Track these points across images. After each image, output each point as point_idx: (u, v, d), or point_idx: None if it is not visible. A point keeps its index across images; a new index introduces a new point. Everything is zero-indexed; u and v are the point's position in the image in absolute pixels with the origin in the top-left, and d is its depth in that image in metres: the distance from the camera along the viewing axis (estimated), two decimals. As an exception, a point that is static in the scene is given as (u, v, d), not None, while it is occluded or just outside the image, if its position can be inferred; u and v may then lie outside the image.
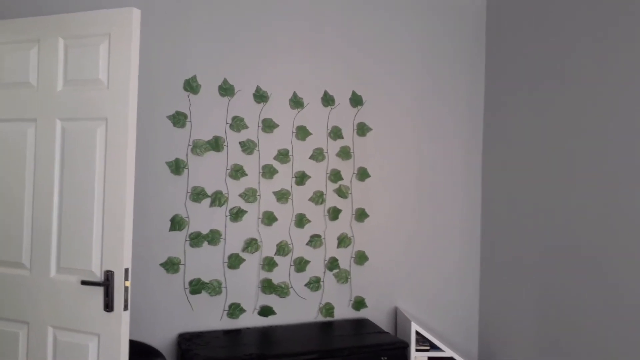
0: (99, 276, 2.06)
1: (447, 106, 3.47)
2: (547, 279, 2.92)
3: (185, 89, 2.87)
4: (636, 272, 2.37)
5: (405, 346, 2.80)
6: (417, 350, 3.07)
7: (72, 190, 2.11)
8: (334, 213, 3.18)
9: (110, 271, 2.02)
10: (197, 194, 2.89)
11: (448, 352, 3.06)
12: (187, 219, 2.88)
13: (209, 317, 2.94)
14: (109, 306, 2.01)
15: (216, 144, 2.92)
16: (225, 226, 2.96)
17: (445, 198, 3.47)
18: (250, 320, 3.02)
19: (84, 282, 2.03)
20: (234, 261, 2.96)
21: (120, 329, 2.01)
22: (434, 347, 3.12)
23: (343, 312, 3.23)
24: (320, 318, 3.18)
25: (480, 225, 3.56)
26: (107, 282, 2.02)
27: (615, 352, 2.47)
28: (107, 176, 2.06)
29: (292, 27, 3.11)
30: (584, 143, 2.70)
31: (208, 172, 2.93)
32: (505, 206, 3.31)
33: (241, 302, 3.00)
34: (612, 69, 2.54)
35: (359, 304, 3.23)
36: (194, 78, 2.88)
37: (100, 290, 2.05)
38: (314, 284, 3.14)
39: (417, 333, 3.15)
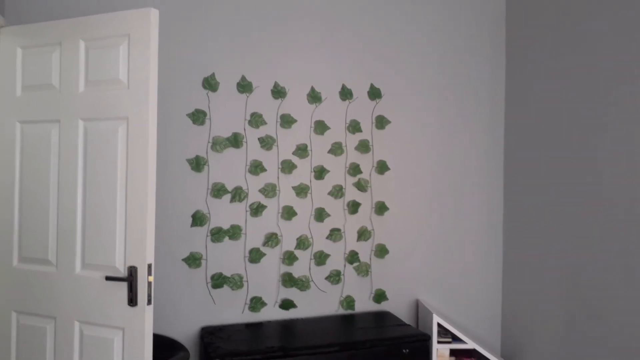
0: (122, 272, 2.11)
1: (467, 97, 3.44)
2: (573, 270, 2.89)
3: (204, 86, 2.91)
4: (661, 263, 2.33)
5: (427, 338, 2.80)
6: (439, 342, 3.07)
7: (95, 189, 2.16)
8: (354, 207, 3.19)
9: (134, 267, 2.07)
10: (218, 190, 2.92)
11: (470, 345, 3.05)
12: (208, 215, 2.92)
13: (230, 310, 2.98)
14: (132, 301, 2.06)
15: (235, 141, 2.96)
16: (246, 221, 3.00)
17: (466, 190, 3.44)
18: (271, 313, 3.06)
19: (108, 278, 2.08)
20: (255, 255, 2.99)
21: (144, 323, 2.06)
22: (455, 340, 3.11)
23: (364, 305, 3.24)
24: (341, 311, 3.20)
25: (502, 216, 3.52)
26: (130, 278, 2.07)
27: (640, 344, 2.43)
28: (129, 174, 2.10)
29: (308, 22, 3.11)
30: (609, 134, 2.65)
31: (228, 168, 2.96)
32: (528, 197, 3.27)
33: (262, 295, 3.03)
34: (636, 65, 2.48)
35: (380, 296, 3.24)
36: (212, 76, 2.92)
37: (124, 286, 2.10)
38: (335, 277, 3.16)
39: (439, 325, 3.14)
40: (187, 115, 2.89)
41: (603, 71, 2.67)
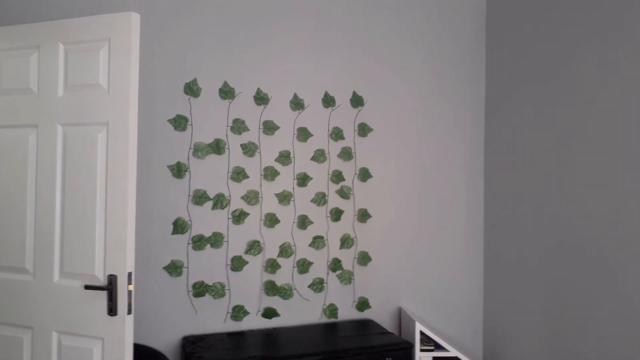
0: (102, 280, 2.07)
1: (448, 106, 3.47)
2: (553, 278, 2.92)
3: (185, 92, 2.88)
4: (640, 268, 2.37)
5: (410, 346, 2.80)
6: (421, 350, 3.06)
7: (74, 195, 2.11)
8: (336, 214, 3.18)
9: (114, 275, 2.03)
10: (199, 197, 2.89)
11: (453, 352, 3.05)
12: (189, 222, 2.89)
13: (212, 319, 2.94)
14: (112, 310, 2.02)
15: (217, 147, 2.93)
16: (228, 229, 2.97)
17: (447, 197, 3.47)
18: (254, 322, 3.02)
19: (87, 287, 2.04)
20: (237, 263, 2.96)
21: (124, 332, 2.01)
22: (438, 347, 3.12)
23: (347, 313, 3.23)
24: (324, 319, 3.18)
25: (483, 224, 3.55)
26: (110, 287, 2.02)
27: (623, 351, 2.46)
28: (109, 180, 2.07)
29: (291, 30, 3.11)
30: (586, 140, 2.69)
31: (210, 175, 2.93)
32: (508, 205, 3.30)
33: (245, 304, 3.00)
34: (615, 67, 2.53)
35: (363, 304, 3.23)
36: (194, 81, 2.89)
37: (103, 295, 2.05)
38: (318, 285, 3.14)
39: (422, 333, 3.14)
40: (168, 121, 2.85)
41: (583, 72, 2.72)
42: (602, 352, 2.56)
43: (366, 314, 3.27)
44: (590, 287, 2.65)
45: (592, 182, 2.64)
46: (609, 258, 2.54)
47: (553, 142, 2.92)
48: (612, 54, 2.54)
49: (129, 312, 2.03)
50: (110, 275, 2.03)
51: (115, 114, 2.07)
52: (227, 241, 2.96)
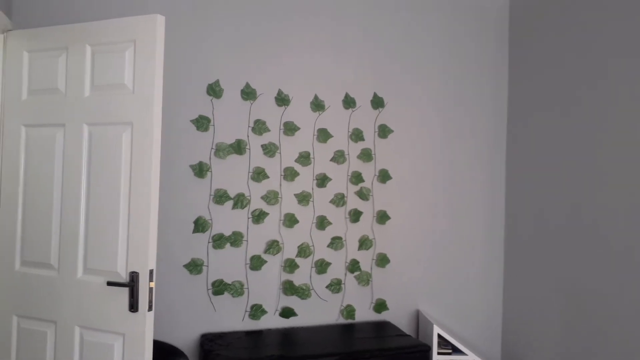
0: (124, 277, 2.11)
1: (469, 108, 3.44)
2: (574, 282, 2.88)
3: (208, 93, 2.92)
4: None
5: (427, 349, 2.79)
6: (439, 353, 3.05)
7: (98, 193, 2.16)
8: (355, 215, 3.19)
9: (136, 272, 2.07)
10: (220, 197, 2.92)
11: (471, 356, 3.03)
12: (210, 221, 2.92)
13: (231, 318, 2.97)
14: (133, 307, 2.06)
15: (239, 147, 2.96)
16: (248, 228, 3.00)
17: (467, 200, 3.44)
18: (271, 321, 3.05)
19: (109, 283, 2.08)
20: (256, 263, 2.99)
21: (145, 329, 2.05)
22: (456, 351, 3.10)
23: (364, 314, 3.23)
24: (342, 320, 3.19)
25: (504, 226, 3.52)
26: (132, 283, 2.06)
27: (642, 358, 2.42)
28: (133, 179, 2.11)
29: (313, 32, 3.12)
30: (611, 146, 2.65)
31: (231, 174, 2.97)
32: (529, 207, 3.27)
33: (263, 303, 3.03)
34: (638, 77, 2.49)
35: (380, 306, 3.23)
36: (216, 83, 2.93)
37: (125, 291, 2.10)
38: (335, 286, 3.15)
39: (439, 336, 3.13)
40: (191, 121, 2.90)
41: (605, 79, 2.68)
42: (622, 358, 2.52)
43: (383, 316, 3.27)
44: (612, 292, 2.61)
45: (615, 188, 2.60)
46: (633, 263, 2.50)
47: (577, 149, 2.88)
48: (637, 59, 2.49)
49: (150, 308, 2.06)
50: (132, 272, 2.07)
51: (139, 114, 2.11)
52: (247, 240, 2.99)
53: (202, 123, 2.90)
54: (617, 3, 2.63)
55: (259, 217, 3.00)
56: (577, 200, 2.86)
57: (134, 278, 2.06)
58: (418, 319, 3.33)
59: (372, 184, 3.24)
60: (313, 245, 3.12)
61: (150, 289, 2.06)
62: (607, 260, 2.65)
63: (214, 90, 2.92)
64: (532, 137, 3.25)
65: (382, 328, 3.08)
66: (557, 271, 3.00)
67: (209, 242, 2.93)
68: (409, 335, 2.95)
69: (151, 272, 2.07)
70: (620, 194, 2.58)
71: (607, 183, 2.67)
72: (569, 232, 2.92)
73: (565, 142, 2.96)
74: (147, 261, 2.07)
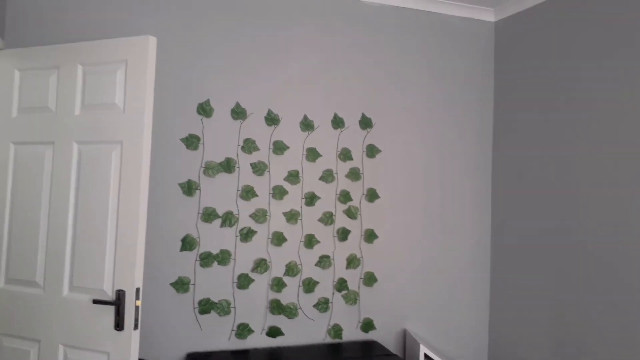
0: (110, 295, 2.11)
1: (456, 128, 3.50)
2: (560, 301, 2.91)
3: (198, 112, 2.95)
4: (645, 298, 2.36)
5: (413, 369, 2.80)
6: (425, 373, 3.06)
7: (86, 211, 2.17)
8: (343, 234, 3.21)
9: (122, 290, 2.07)
10: (209, 215, 2.94)
11: (457, 376, 3.04)
12: (197, 239, 2.93)
13: (217, 337, 2.96)
14: (119, 325, 2.05)
15: (228, 166, 2.98)
16: (235, 246, 3.01)
17: (454, 219, 3.48)
18: (258, 340, 3.04)
19: (95, 301, 2.08)
20: (243, 281, 2.99)
21: (130, 348, 2.05)
22: (442, 371, 3.10)
23: (351, 333, 3.23)
24: (329, 339, 3.19)
25: (490, 245, 3.55)
26: (118, 302, 2.06)
27: (625, 379, 2.45)
28: (121, 197, 2.12)
29: (303, 53, 3.17)
30: (596, 164, 2.71)
31: (219, 193, 2.98)
32: (515, 227, 3.31)
33: (250, 322, 3.02)
34: (620, 86, 2.56)
35: (368, 325, 3.24)
36: (207, 102, 2.96)
37: (111, 309, 2.09)
38: (323, 305, 3.16)
39: (426, 356, 3.13)
40: (180, 139, 2.92)
41: (588, 94, 2.74)
42: (607, 381, 2.54)
43: (371, 335, 3.28)
44: (598, 311, 2.64)
45: (601, 203, 2.65)
46: (619, 283, 2.54)
47: (561, 167, 2.94)
48: (619, 71, 2.56)
49: (136, 327, 2.06)
50: (119, 291, 2.07)
51: (129, 133, 2.13)
52: (234, 259, 3.00)
53: (191, 142, 2.93)
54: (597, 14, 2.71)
55: (247, 235, 3.01)
56: (562, 217, 2.91)
57: (120, 296, 2.06)
58: (405, 338, 3.34)
59: (360, 203, 3.27)
60: (301, 264, 3.13)
61: (137, 308, 2.06)
62: (594, 276, 2.68)
63: (205, 110, 2.95)
64: (517, 154, 3.31)
65: (369, 348, 3.08)
66: (544, 289, 3.03)
67: (196, 261, 2.93)
68: (396, 355, 2.96)
69: (138, 290, 2.07)
70: (607, 208, 2.63)
71: (592, 199, 2.71)
72: (555, 249, 2.96)
73: (551, 162, 3.02)
74: (133, 279, 2.07)
